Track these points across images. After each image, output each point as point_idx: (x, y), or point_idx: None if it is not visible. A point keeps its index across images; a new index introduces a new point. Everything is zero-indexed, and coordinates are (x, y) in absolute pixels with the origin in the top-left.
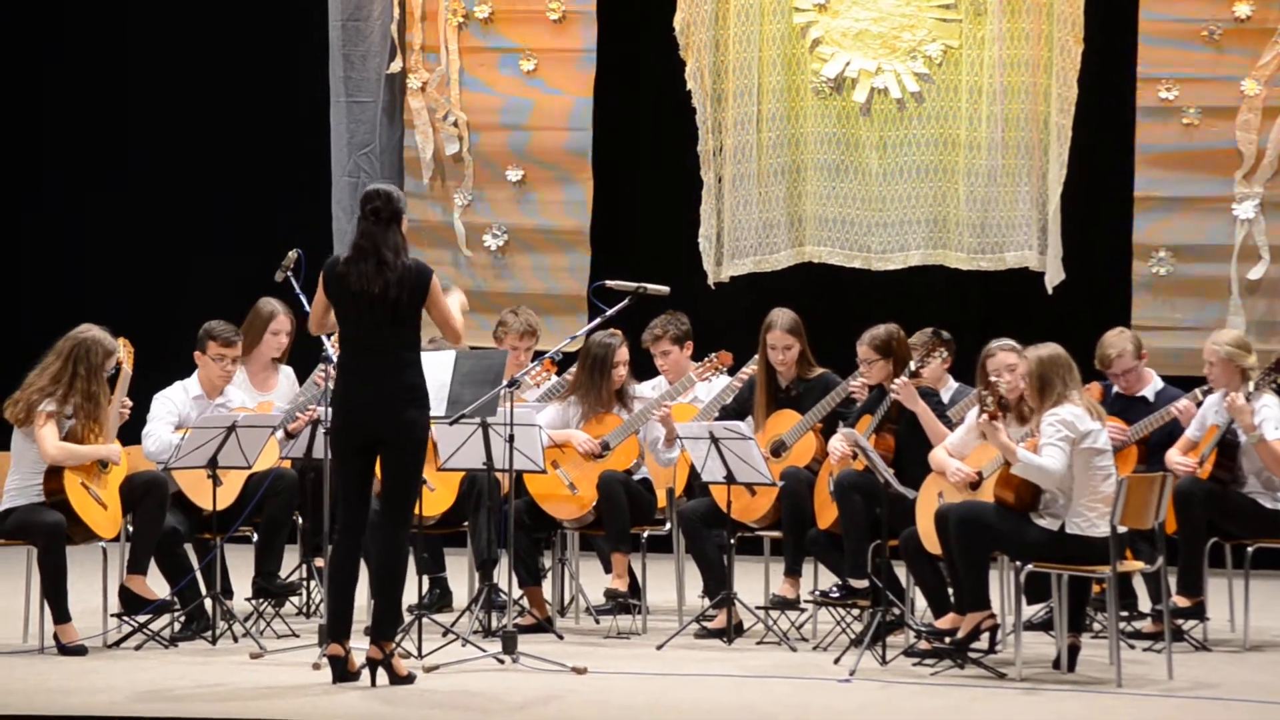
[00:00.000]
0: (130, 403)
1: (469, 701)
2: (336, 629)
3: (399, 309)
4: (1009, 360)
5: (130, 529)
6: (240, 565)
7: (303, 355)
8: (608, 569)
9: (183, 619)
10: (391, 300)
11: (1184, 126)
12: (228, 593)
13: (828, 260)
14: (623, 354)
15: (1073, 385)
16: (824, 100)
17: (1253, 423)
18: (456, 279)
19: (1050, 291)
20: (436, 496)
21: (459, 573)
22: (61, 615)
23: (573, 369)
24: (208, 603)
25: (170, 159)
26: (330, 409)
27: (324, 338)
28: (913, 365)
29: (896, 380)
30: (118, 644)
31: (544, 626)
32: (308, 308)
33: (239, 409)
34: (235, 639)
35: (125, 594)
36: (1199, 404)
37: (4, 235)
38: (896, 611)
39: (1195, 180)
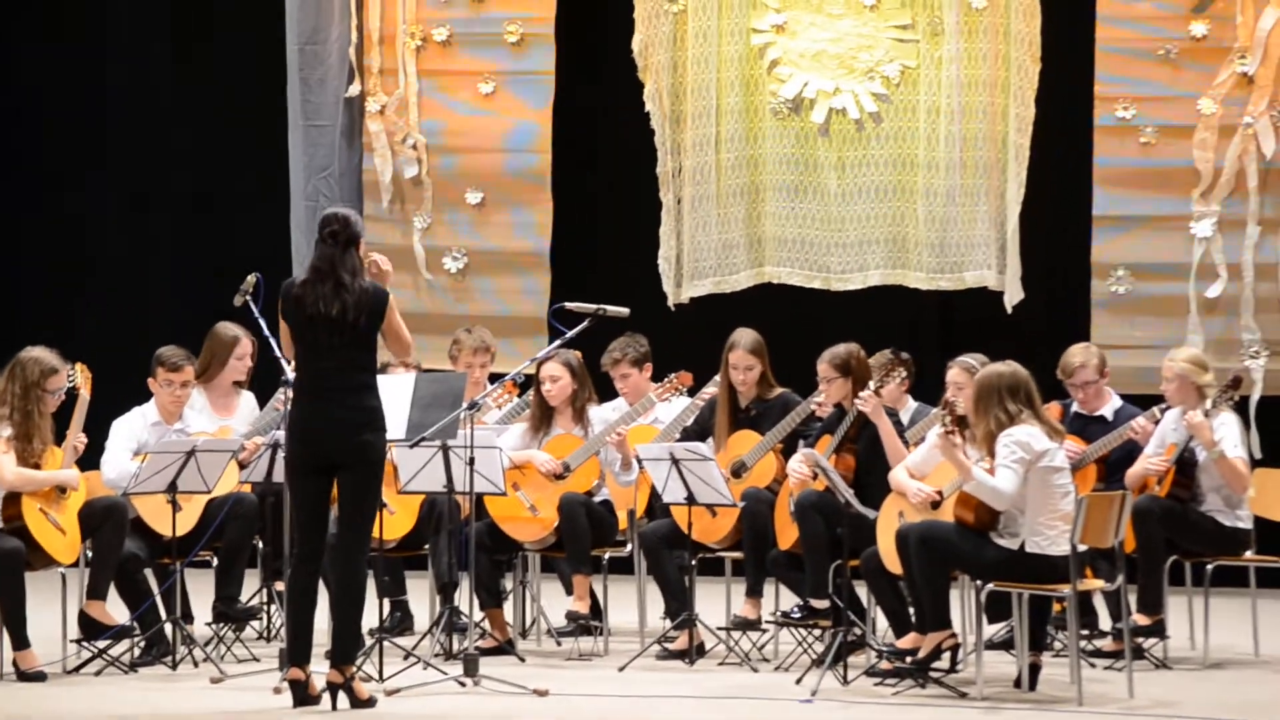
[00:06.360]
0: (84, 439)
1: None
2: (297, 653)
3: (356, 331)
4: (958, 379)
5: (89, 554)
6: (200, 590)
7: (261, 378)
8: (569, 591)
9: (143, 644)
10: (349, 323)
11: (1141, 145)
12: (188, 618)
13: (787, 281)
14: (548, 369)
15: (1024, 405)
16: (782, 121)
17: (1212, 439)
18: (416, 302)
19: (1010, 310)
20: (397, 519)
21: (420, 595)
22: (20, 642)
23: (531, 392)
24: (168, 628)
25: (128, 182)
26: (286, 432)
27: (283, 361)
28: (873, 385)
29: (862, 393)
30: (77, 670)
31: (505, 649)
32: (267, 331)
33: (198, 434)
34: (196, 664)
35: (85, 620)
36: (1156, 422)
37: None
38: (858, 631)
39: (1153, 199)
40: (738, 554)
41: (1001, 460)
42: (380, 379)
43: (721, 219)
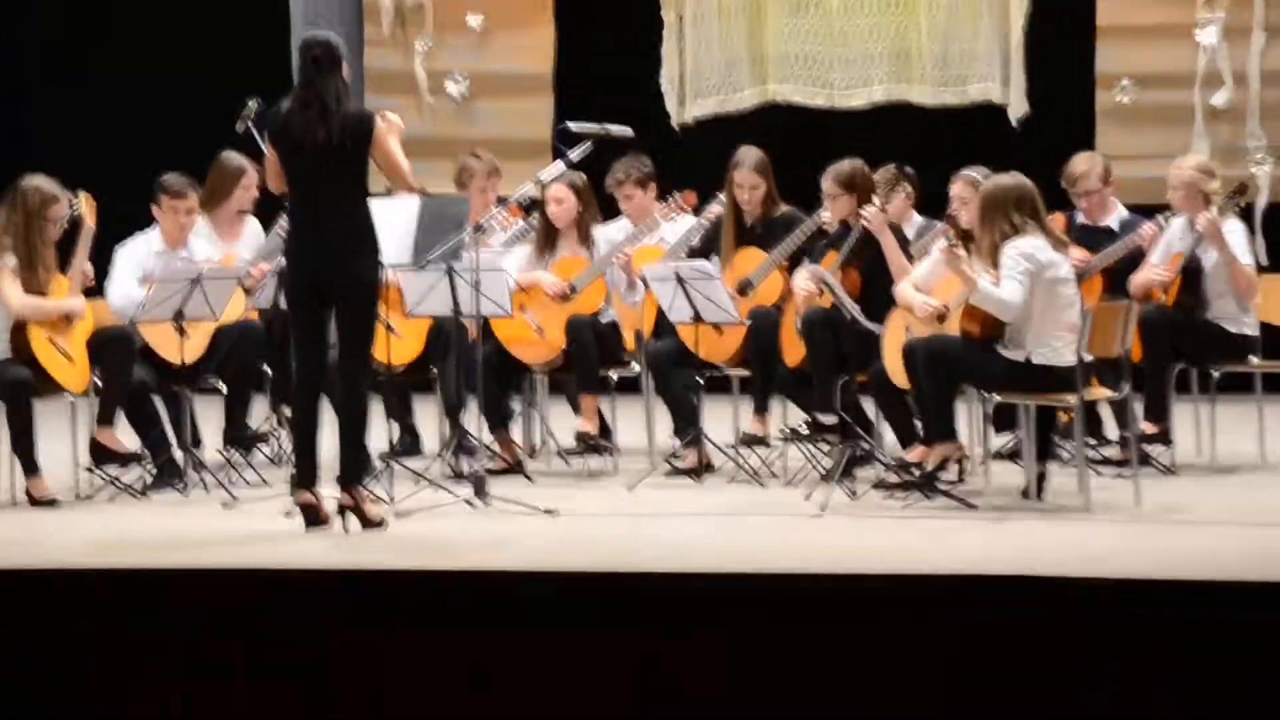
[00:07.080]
0: (90, 267)
1: (441, 544)
2: (304, 476)
3: (344, 156)
4: (962, 192)
5: (98, 382)
6: (209, 416)
7: (265, 203)
8: (576, 411)
9: (153, 470)
10: (335, 147)
11: None
12: (197, 443)
13: (790, 97)
14: (552, 191)
15: (1029, 216)
16: None
17: (1224, 240)
18: (419, 126)
19: (1014, 123)
20: (404, 344)
21: (428, 419)
22: (31, 468)
23: (536, 214)
24: (178, 453)
25: (129, 11)
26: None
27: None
28: (877, 200)
29: (867, 208)
30: (89, 496)
31: (514, 469)
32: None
33: (203, 260)
34: (206, 488)
35: (95, 446)
36: (1161, 229)
37: None
38: (865, 446)
39: (1158, 7)
40: (744, 371)
41: (1007, 272)
42: (383, 201)
43: (724, 36)
